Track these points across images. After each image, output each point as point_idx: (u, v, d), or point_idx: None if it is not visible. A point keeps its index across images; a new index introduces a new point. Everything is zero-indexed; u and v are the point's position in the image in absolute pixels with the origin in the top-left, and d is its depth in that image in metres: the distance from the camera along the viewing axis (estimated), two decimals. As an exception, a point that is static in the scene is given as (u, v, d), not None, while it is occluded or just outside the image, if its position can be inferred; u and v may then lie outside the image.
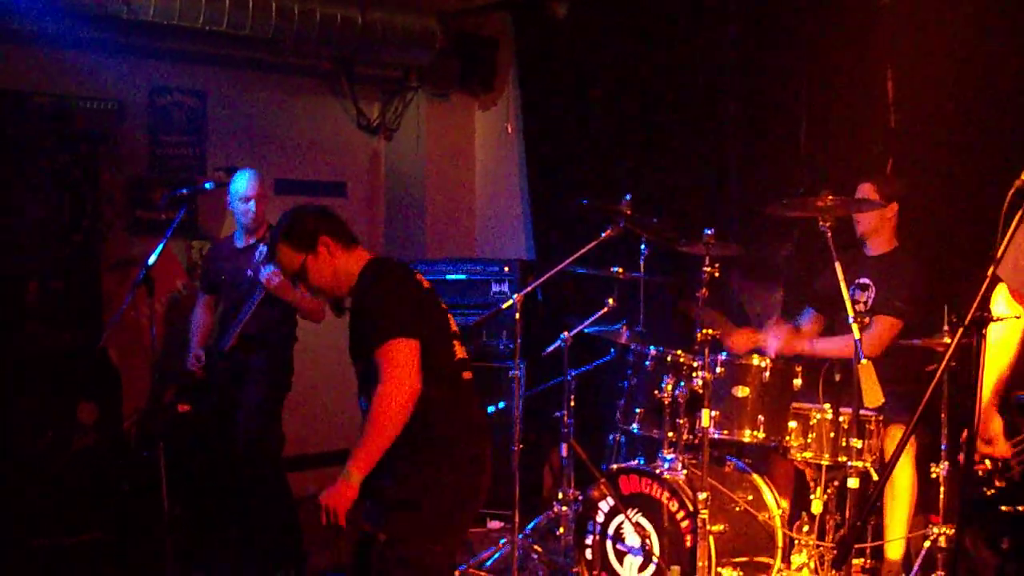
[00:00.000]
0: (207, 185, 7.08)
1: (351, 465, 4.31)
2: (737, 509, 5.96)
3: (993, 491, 3.96)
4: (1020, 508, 3.79)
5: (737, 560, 5.81)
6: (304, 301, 6.77)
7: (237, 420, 6.93)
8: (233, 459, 7.01)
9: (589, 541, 6.14)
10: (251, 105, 9.06)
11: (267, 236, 6.92)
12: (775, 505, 6.05)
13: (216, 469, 7.26)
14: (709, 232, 5.93)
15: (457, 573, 4.68)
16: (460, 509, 4.67)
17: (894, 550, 6.05)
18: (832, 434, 5.79)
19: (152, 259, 6.63)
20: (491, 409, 6.95)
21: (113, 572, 6.76)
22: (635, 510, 5.96)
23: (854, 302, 5.68)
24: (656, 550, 5.85)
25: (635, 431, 6.30)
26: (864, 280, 6.31)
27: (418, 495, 4.48)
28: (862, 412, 5.63)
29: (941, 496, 5.74)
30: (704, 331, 5.82)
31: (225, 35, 7.85)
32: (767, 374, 5.95)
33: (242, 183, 6.97)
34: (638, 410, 6.26)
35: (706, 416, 5.78)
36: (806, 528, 5.97)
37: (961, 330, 3.33)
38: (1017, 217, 3.41)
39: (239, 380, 6.96)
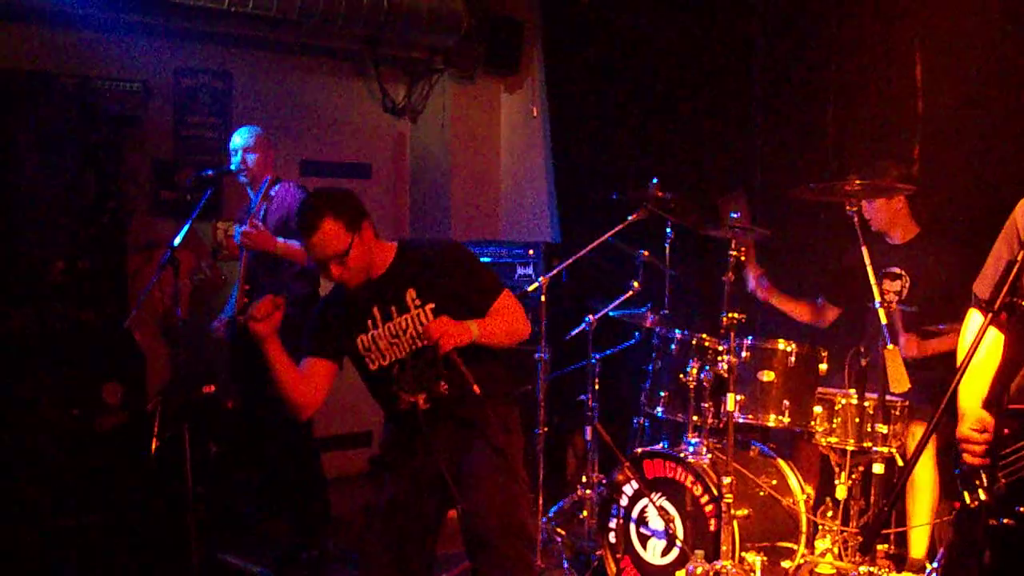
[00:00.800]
0: (232, 166, 7.06)
1: (476, 321, 4.64)
2: (761, 494, 5.94)
3: (977, 503, 3.94)
4: (1006, 521, 3.77)
5: (761, 545, 5.79)
6: (295, 250, 6.67)
7: (264, 399, 6.88)
8: (263, 436, 7.01)
9: (613, 524, 6.14)
10: (277, 86, 9.06)
11: (266, 191, 6.85)
12: (799, 490, 6.03)
13: (242, 448, 7.28)
14: (735, 216, 5.92)
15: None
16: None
17: (917, 548, 6.03)
18: (857, 419, 5.76)
19: (177, 240, 6.61)
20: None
21: (137, 551, 6.78)
22: (659, 494, 5.95)
23: (884, 291, 5.65)
24: (680, 534, 5.85)
25: (660, 415, 6.30)
26: (895, 269, 6.27)
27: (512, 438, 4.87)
28: (888, 398, 5.61)
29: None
30: (730, 315, 5.81)
31: (251, 15, 7.84)
32: (792, 358, 5.94)
33: (233, 136, 6.98)
34: (663, 393, 6.26)
35: (731, 400, 5.76)
36: (830, 514, 5.96)
37: (990, 316, 3.29)
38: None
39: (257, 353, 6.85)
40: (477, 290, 4.73)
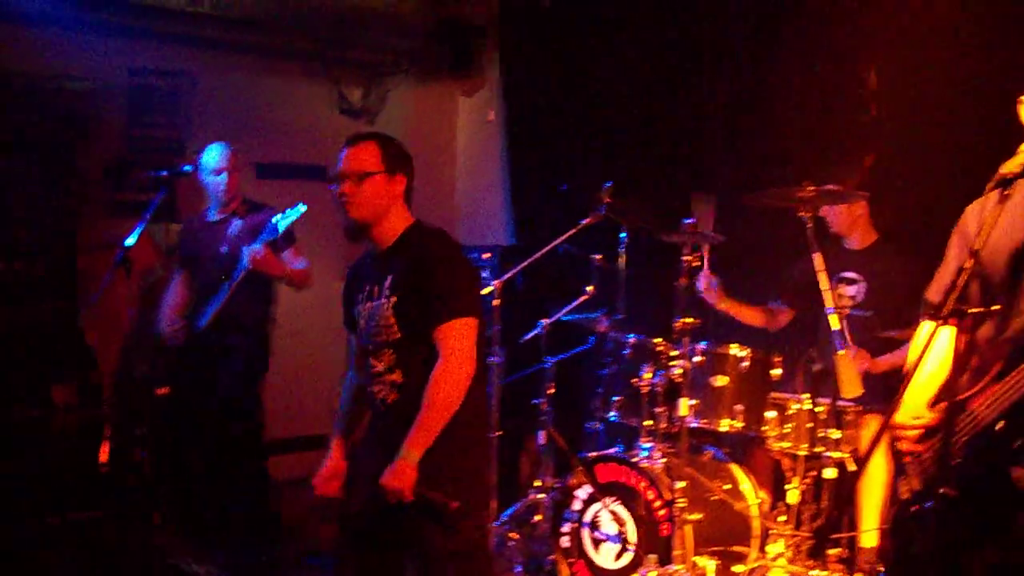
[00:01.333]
0: (186, 168, 7.03)
1: (410, 444, 4.23)
2: (714, 498, 5.96)
3: (908, 493, 3.98)
4: (929, 505, 3.80)
5: (714, 549, 5.82)
6: (295, 274, 6.86)
7: (215, 402, 6.90)
8: (213, 441, 6.99)
9: (566, 529, 6.14)
10: (232, 87, 8.98)
11: (240, 210, 6.90)
12: (752, 495, 6.05)
13: (194, 451, 7.24)
14: (689, 221, 5.93)
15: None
16: (485, 484, 4.93)
17: (869, 539, 6.05)
18: (810, 424, 5.79)
19: (130, 240, 6.58)
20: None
21: (99, 552, 6.74)
22: (612, 498, 5.96)
23: (839, 296, 5.68)
24: (633, 538, 5.85)
25: (613, 419, 6.31)
26: (850, 274, 6.30)
27: (478, 470, 4.59)
28: (840, 403, 5.64)
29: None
30: (683, 320, 5.82)
31: (207, 16, 7.81)
32: (746, 364, 5.97)
33: (212, 156, 6.95)
34: (616, 398, 6.27)
35: (684, 405, 5.79)
36: (783, 518, 5.98)
37: (939, 323, 3.31)
38: (998, 209, 3.40)
39: (214, 361, 6.94)
40: (440, 299, 4.34)
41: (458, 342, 4.30)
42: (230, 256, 6.79)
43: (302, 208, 6.69)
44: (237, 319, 6.90)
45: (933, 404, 3.91)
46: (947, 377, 3.33)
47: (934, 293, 4.11)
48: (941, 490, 3.37)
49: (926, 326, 4.23)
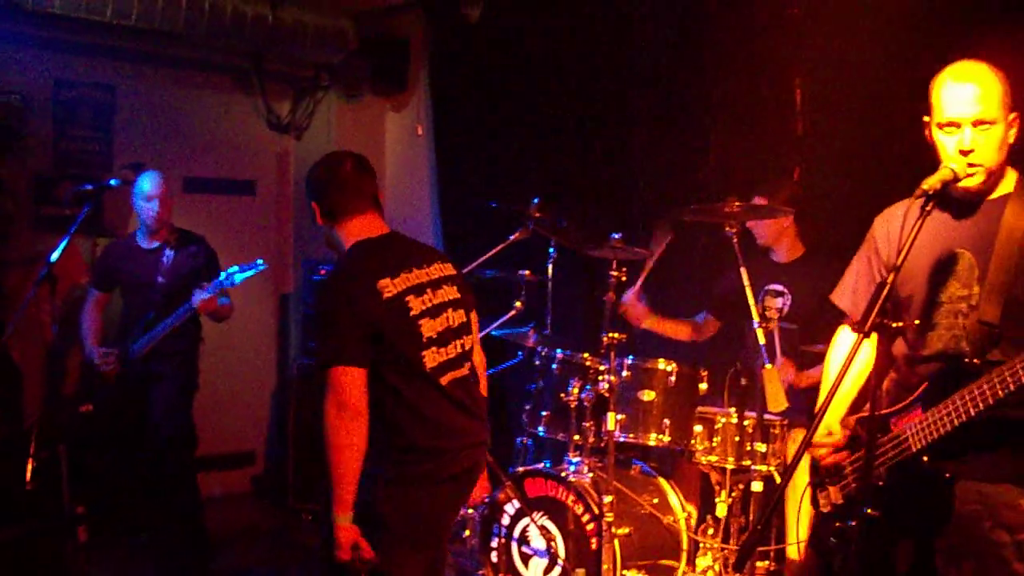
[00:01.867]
0: (112, 182, 6.99)
1: (334, 508, 4.23)
2: (643, 512, 5.98)
3: (830, 506, 4.04)
4: (853, 522, 3.86)
5: (642, 563, 5.83)
6: (225, 310, 7.04)
7: (151, 420, 6.87)
8: (146, 459, 6.94)
9: (495, 544, 6.14)
10: (160, 100, 8.93)
11: (171, 239, 6.90)
12: (680, 508, 6.09)
13: (122, 469, 7.18)
14: (616, 236, 5.96)
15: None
16: (443, 521, 4.67)
17: (795, 550, 6.09)
18: (737, 438, 5.83)
19: (55, 255, 6.53)
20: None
21: (22, 571, 6.65)
22: (541, 513, 5.97)
23: (765, 308, 5.72)
24: (561, 553, 5.87)
25: (542, 434, 6.31)
26: (776, 287, 6.35)
27: (407, 511, 4.41)
28: (766, 416, 5.68)
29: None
30: (610, 335, 5.85)
31: (134, 29, 7.71)
32: (673, 378, 5.99)
33: (146, 182, 6.93)
34: (544, 413, 6.27)
35: (612, 419, 5.80)
36: (711, 531, 6.01)
37: (861, 336, 3.35)
38: (918, 223, 3.45)
39: (146, 381, 6.93)
40: (317, 347, 4.45)
41: (332, 390, 4.26)
42: (166, 288, 6.87)
43: (262, 266, 6.78)
44: (170, 347, 6.94)
45: (848, 414, 3.97)
46: (863, 389, 3.38)
47: (839, 296, 4.19)
48: (867, 510, 3.41)
49: (843, 335, 4.30)
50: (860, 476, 3.86)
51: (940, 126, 3.66)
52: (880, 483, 3.53)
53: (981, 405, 3.42)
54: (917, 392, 3.68)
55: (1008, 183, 3.69)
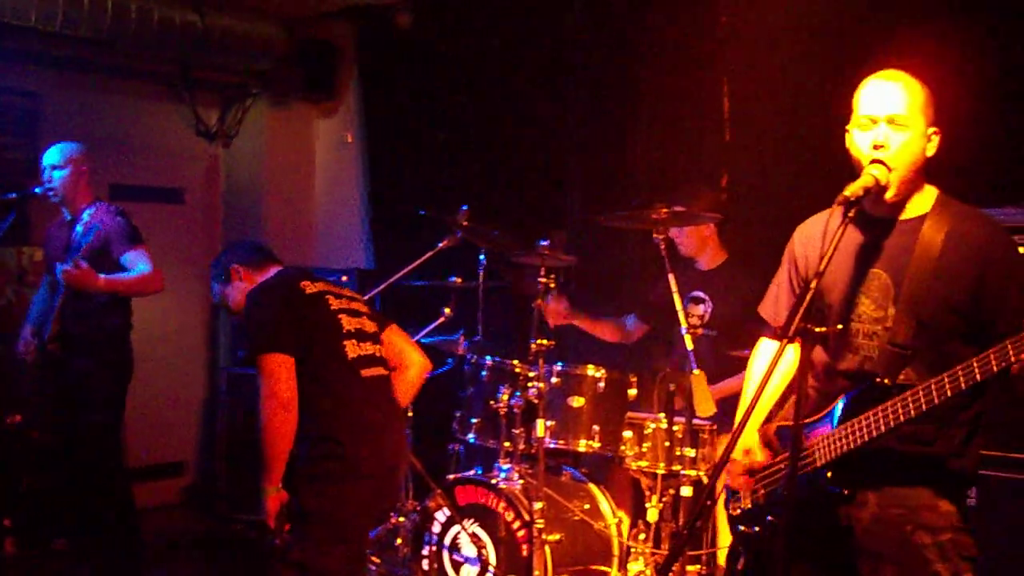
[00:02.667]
0: (37, 189, 6.80)
1: (264, 481, 4.69)
2: (573, 518, 5.99)
3: (739, 511, 4.06)
4: (757, 528, 3.90)
5: (574, 569, 5.84)
6: (120, 284, 6.55)
7: (76, 428, 6.71)
8: (73, 469, 6.82)
9: (426, 552, 6.13)
10: (87, 108, 8.83)
11: (86, 209, 6.67)
12: (611, 514, 6.09)
13: (51, 478, 7.08)
14: (544, 243, 5.96)
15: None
16: (363, 517, 4.95)
17: (724, 555, 6.13)
18: (667, 443, 5.83)
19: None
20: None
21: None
22: (472, 520, 5.96)
23: (688, 315, 5.74)
24: (492, 560, 5.86)
25: (472, 441, 6.30)
26: (698, 294, 6.39)
27: (330, 504, 4.72)
28: (695, 422, 5.69)
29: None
30: (539, 341, 5.85)
31: (59, 35, 7.63)
32: (602, 384, 5.99)
33: (49, 153, 6.76)
34: (475, 420, 6.26)
35: (541, 426, 5.80)
36: (642, 536, 6.02)
37: (785, 342, 3.36)
38: (840, 230, 3.47)
39: (69, 385, 6.70)
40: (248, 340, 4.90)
41: (263, 376, 4.69)
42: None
43: (102, 204, 6.57)
44: (84, 338, 6.62)
45: (766, 422, 4.00)
46: (781, 398, 3.41)
47: (766, 309, 4.20)
48: (768, 517, 3.44)
49: (763, 346, 4.33)
50: (767, 484, 3.90)
51: (859, 125, 3.67)
52: (785, 491, 3.56)
53: (883, 427, 3.45)
54: (828, 408, 3.70)
55: (926, 201, 3.69)
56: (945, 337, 3.50)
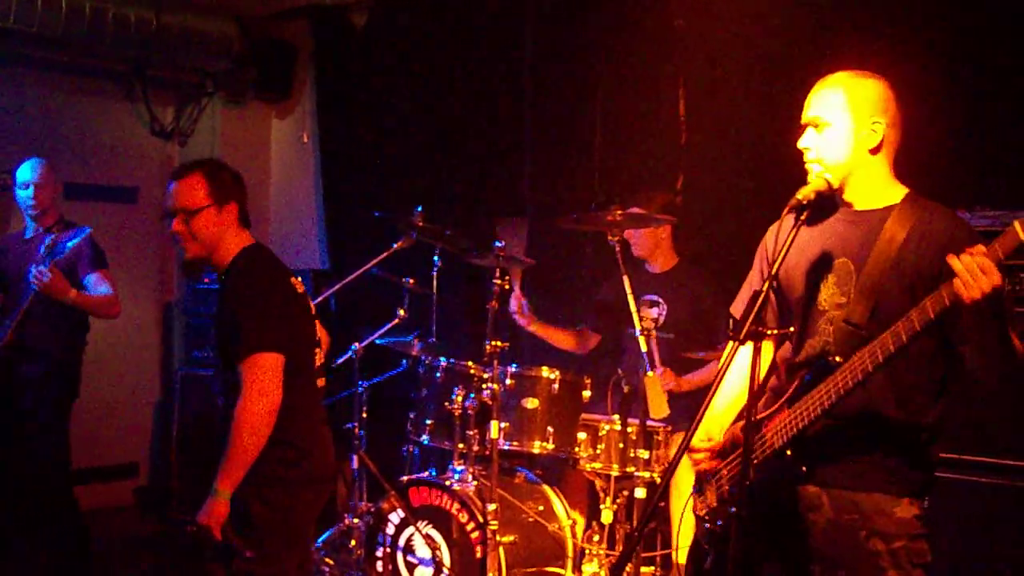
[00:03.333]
0: (22, 202, 6.78)
1: (219, 483, 4.24)
2: (528, 520, 5.99)
3: (704, 509, 4.08)
4: (720, 523, 3.92)
5: (528, 570, 5.85)
6: (86, 300, 6.56)
7: (20, 434, 6.66)
8: (17, 476, 6.76)
9: (380, 554, 6.12)
10: (40, 106, 8.77)
11: (55, 228, 6.69)
12: (565, 516, 6.10)
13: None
14: (500, 244, 5.96)
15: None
16: (310, 523, 4.71)
17: (682, 555, 6.14)
18: (620, 445, 5.84)
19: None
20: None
21: None
22: (425, 522, 5.95)
23: (642, 318, 5.77)
24: (447, 561, 5.85)
25: (426, 443, 6.29)
26: (652, 296, 6.42)
27: (281, 512, 4.43)
28: (649, 423, 5.70)
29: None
30: (493, 343, 5.85)
31: (12, 31, 7.57)
32: (556, 386, 6.00)
33: (23, 170, 6.72)
34: (428, 421, 6.25)
35: (495, 427, 5.80)
36: (596, 538, 6.03)
37: (737, 344, 3.38)
38: (792, 232, 3.50)
39: (16, 390, 6.66)
40: (238, 334, 4.32)
41: (255, 377, 4.26)
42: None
43: (86, 230, 6.47)
44: (36, 345, 6.59)
45: (733, 423, 4.00)
46: (747, 397, 3.40)
47: (734, 307, 4.22)
48: (732, 509, 3.44)
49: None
50: (731, 477, 3.91)
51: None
52: (747, 482, 3.57)
53: (834, 397, 3.46)
54: (787, 394, 3.72)
55: (895, 195, 3.71)
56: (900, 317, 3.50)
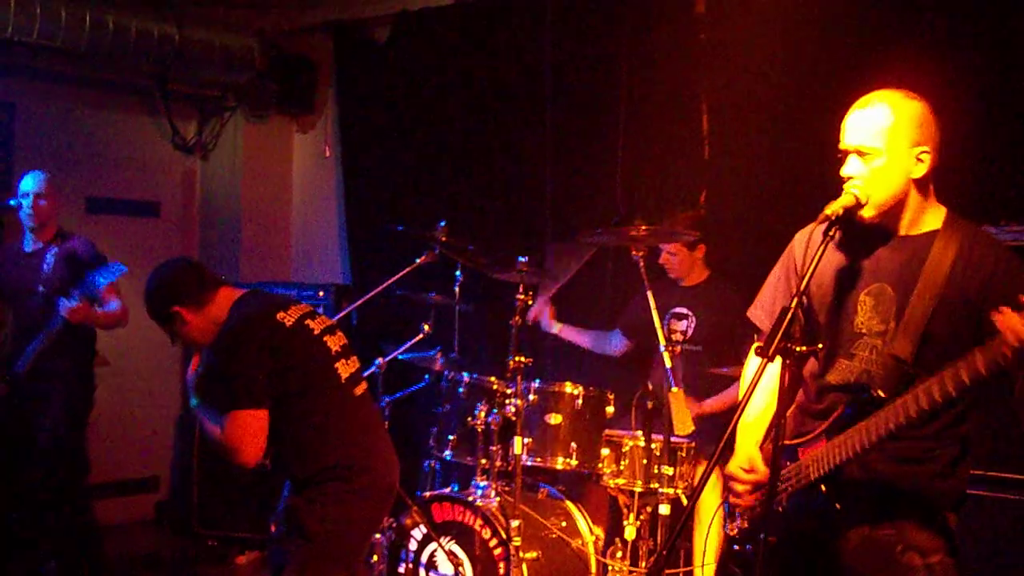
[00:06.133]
0: (11, 202, 6.78)
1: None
2: (551, 536, 5.95)
3: (736, 530, 4.03)
4: (749, 547, 3.88)
5: (551, 587, 5.81)
6: (108, 318, 6.69)
7: (38, 445, 6.66)
8: (34, 487, 6.75)
9: (402, 570, 6.08)
10: (63, 120, 8.79)
11: (57, 240, 6.70)
12: (588, 532, 6.07)
13: (13, 498, 7.00)
14: (523, 260, 5.95)
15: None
16: (367, 537, 4.89)
17: (702, 574, 6.10)
18: (644, 461, 5.82)
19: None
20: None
21: None
22: (448, 538, 5.92)
23: (671, 331, 5.74)
24: (469, 578, 5.83)
25: (449, 458, 6.27)
26: (681, 309, 6.40)
27: (340, 525, 4.54)
28: (673, 439, 5.68)
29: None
30: (516, 358, 5.83)
31: (36, 46, 7.58)
32: (579, 401, 5.98)
33: (26, 181, 6.78)
34: (451, 437, 6.23)
35: (518, 443, 5.77)
36: (619, 554, 6.00)
37: (765, 360, 3.33)
38: (820, 248, 3.46)
39: (34, 401, 6.68)
40: (217, 396, 4.56)
41: (234, 432, 4.44)
42: (46, 298, 6.60)
43: (123, 269, 6.50)
44: (56, 366, 6.63)
45: (761, 444, 3.95)
46: (773, 415, 3.36)
47: (756, 313, 4.13)
48: (762, 535, 3.40)
49: (753, 361, 4.29)
50: (764, 500, 3.86)
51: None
52: (780, 509, 3.52)
53: (875, 438, 3.42)
54: (826, 423, 3.67)
55: (935, 219, 3.64)
56: (948, 356, 3.40)
